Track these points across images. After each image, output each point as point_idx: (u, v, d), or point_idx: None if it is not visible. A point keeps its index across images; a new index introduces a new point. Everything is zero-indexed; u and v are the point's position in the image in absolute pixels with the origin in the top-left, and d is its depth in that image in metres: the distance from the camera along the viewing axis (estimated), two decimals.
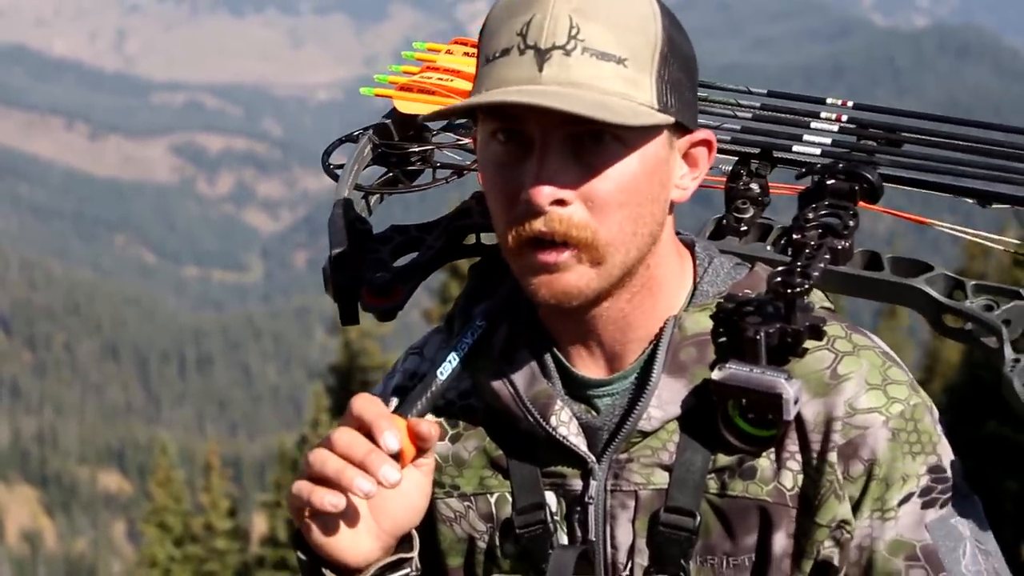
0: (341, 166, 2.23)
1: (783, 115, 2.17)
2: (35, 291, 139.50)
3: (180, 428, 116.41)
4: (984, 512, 1.76)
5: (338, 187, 2.15)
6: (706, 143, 1.76)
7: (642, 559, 1.76)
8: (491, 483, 1.83)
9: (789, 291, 1.68)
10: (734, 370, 1.67)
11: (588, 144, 1.64)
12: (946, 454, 1.73)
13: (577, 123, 1.62)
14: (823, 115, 2.15)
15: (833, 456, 1.69)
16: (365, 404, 1.65)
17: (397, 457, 1.63)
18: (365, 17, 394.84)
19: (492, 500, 1.83)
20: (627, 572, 1.77)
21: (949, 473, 1.72)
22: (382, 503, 1.67)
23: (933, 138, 2.09)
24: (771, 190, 2.06)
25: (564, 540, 1.79)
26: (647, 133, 1.66)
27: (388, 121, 2.25)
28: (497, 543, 1.83)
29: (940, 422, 1.75)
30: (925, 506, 1.70)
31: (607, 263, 1.67)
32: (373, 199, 2.20)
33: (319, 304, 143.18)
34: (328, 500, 1.60)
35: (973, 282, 1.87)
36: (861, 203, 1.94)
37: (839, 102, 2.18)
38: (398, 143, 2.23)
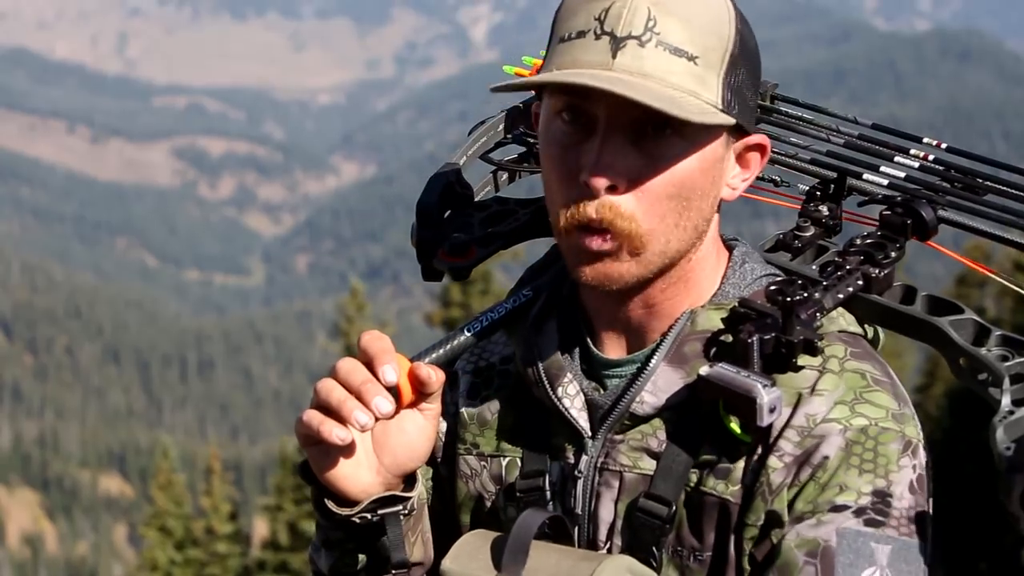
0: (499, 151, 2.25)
1: (869, 145, 2.16)
2: (36, 294, 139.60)
3: (181, 432, 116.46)
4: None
5: (458, 151, 2.18)
6: (760, 147, 1.78)
7: (619, 540, 1.79)
8: (505, 447, 1.89)
9: (781, 299, 1.71)
10: (720, 370, 1.68)
11: (650, 134, 1.67)
12: (901, 488, 1.68)
13: (643, 112, 1.64)
14: (912, 151, 2.14)
15: (774, 461, 1.70)
16: (372, 339, 1.69)
17: (396, 393, 1.67)
18: (367, 21, 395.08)
19: (504, 463, 1.89)
20: (605, 549, 1.80)
21: (898, 507, 1.68)
22: (383, 439, 1.72)
23: (1012, 190, 2.03)
24: (855, 220, 2.06)
25: (558, 510, 1.83)
26: (708, 131, 1.69)
27: (521, 104, 2.26)
28: (501, 505, 1.89)
29: (916, 462, 1.71)
30: (855, 525, 1.66)
31: (646, 252, 1.71)
32: (503, 177, 2.23)
33: (320, 308, 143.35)
34: (336, 433, 1.64)
35: (999, 332, 1.84)
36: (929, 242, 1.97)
37: (934, 142, 2.16)
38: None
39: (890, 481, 1.68)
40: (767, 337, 1.70)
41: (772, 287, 1.74)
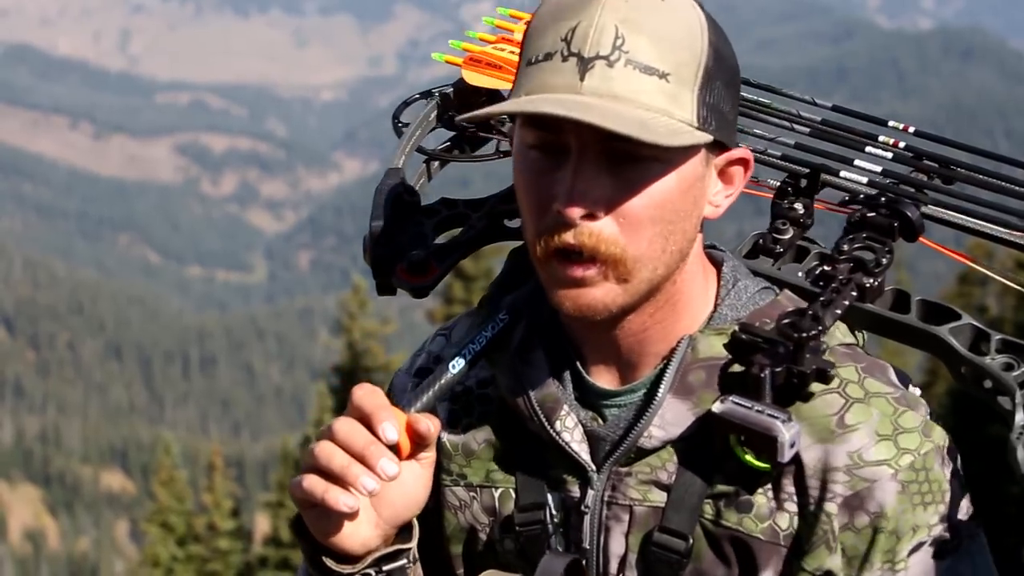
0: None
1: (839, 133, 2.11)
2: (39, 290, 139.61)
3: (183, 428, 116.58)
4: (986, 537, 1.77)
5: (396, 153, 2.12)
6: (743, 161, 1.73)
7: (633, 574, 1.76)
8: (496, 477, 1.84)
9: (796, 335, 1.67)
10: (734, 406, 1.66)
11: (624, 159, 1.62)
12: (956, 498, 1.71)
13: (615, 138, 1.59)
14: (881, 138, 2.08)
15: (832, 507, 1.67)
16: (365, 395, 1.64)
17: (395, 448, 1.63)
18: (370, 18, 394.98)
19: (496, 494, 1.84)
20: None
21: (959, 518, 1.71)
22: (382, 493, 1.66)
23: (986, 178, 2.01)
24: (821, 206, 2.01)
25: (561, 543, 1.80)
26: (685, 151, 1.64)
27: (451, 90, 2.21)
28: (497, 537, 1.84)
29: (952, 459, 1.72)
30: (935, 555, 1.69)
31: (634, 279, 1.66)
32: (435, 165, 2.17)
33: (322, 304, 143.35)
34: (343, 501, 1.60)
35: (999, 336, 1.81)
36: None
37: (900, 126, 2.11)
38: (469, 112, 2.10)
39: (947, 502, 1.70)
40: (778, 369, 1.67)
41: (785, 321, 1.70)
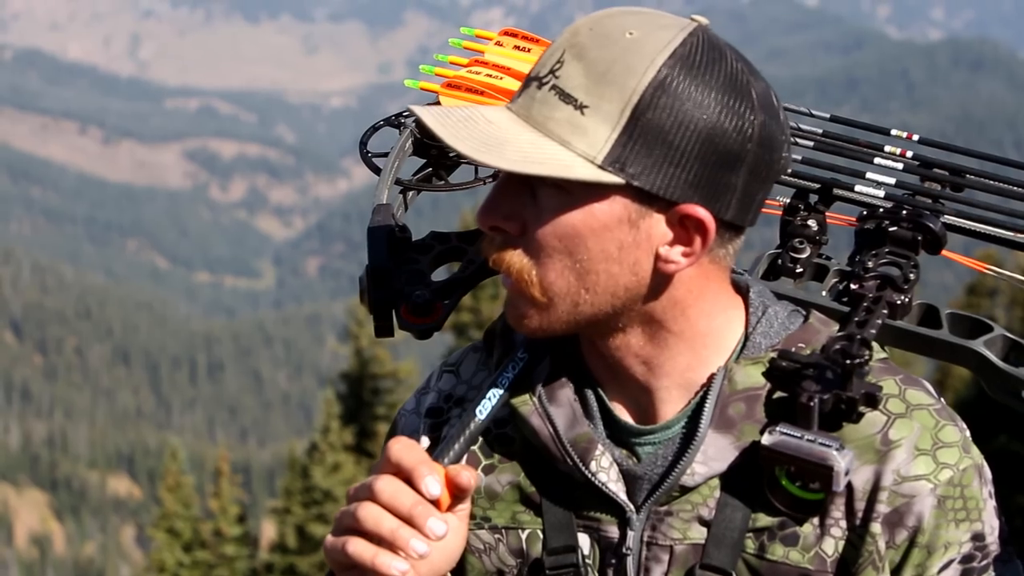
0: (383, 155, 2.18)
1: (846, 146, 2.07)
2: (47, 295, 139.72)
3: (190, 433, 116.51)
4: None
5: (378, 187, 2.09)
6: (696, 222, 1.61)
7: None
8: (523, 519, 1.79)
9: (848, 361, 1.64)
10: (784, 437, 1.62)
11: (539, 182, 1.61)
12: (990, 519, 1.70)
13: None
14: (887, 149, 2.05)
15: (876, 527, 1.65)
16: (403, 449, 1.61)
17: (435, 503, 1.60)
18: (380, 24, 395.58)
19: (523, 536, 1.78)
20: None
21: (992, 539, 1.69)
22: None
23: (998, 183, 2.00)
24: (828, 219, 1.98)
25: None
26: (594, 188, 1.59)
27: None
28: None
29: (988, 479, 1.71)
30: (964, 574, 1.68)
31: (553, 308, 1.65)
32: (411, 193, 2.15)
33: (330, 311, 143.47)
34: (395, 566, 1.56)
35: None
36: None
37: (904, 135, 2.08)
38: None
39: (983, 521, 1.69)
40: (826, 396, 1.63)
41: (836, 347, 1.66)
